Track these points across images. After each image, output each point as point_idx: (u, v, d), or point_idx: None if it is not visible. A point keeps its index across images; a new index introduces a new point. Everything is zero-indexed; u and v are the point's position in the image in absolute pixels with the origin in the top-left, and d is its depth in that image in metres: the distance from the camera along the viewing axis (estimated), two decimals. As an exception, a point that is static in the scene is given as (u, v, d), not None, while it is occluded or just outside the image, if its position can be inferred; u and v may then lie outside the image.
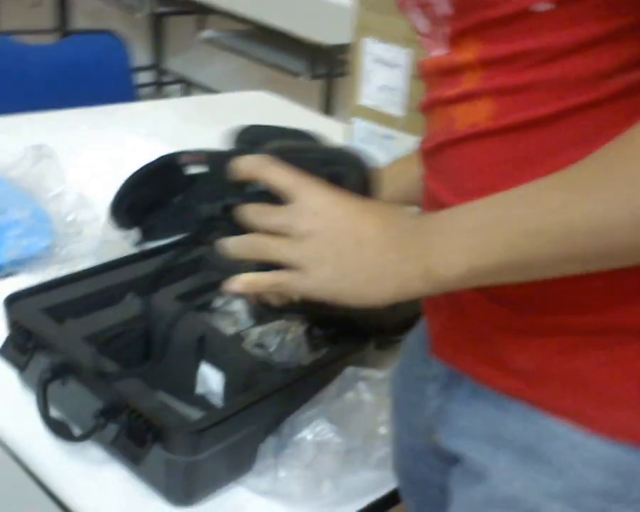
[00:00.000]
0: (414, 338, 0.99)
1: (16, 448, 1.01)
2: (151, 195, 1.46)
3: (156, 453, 0.92)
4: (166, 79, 4.58)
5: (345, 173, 0.80)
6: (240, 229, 0.78)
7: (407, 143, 1.65)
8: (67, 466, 1.00)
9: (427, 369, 0.91)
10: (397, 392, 1.02)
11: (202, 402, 1.08)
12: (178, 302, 1.14)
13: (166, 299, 1.13)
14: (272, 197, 0.76)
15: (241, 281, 0.78)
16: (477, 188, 0.74)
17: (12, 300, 1.06)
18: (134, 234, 1.40)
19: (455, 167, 0.78)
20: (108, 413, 0.95)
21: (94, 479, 0.99)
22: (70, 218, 1.41)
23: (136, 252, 1.27)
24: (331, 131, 2.16)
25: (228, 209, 0.82)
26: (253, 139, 0.87)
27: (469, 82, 0.75)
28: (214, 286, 1.18)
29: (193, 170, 1.48)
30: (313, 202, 0.75)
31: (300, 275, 0.74)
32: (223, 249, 0.79)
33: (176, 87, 4.53)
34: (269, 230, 0.76)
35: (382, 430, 1.06)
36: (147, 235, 1.44)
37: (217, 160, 0.87)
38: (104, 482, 0.99)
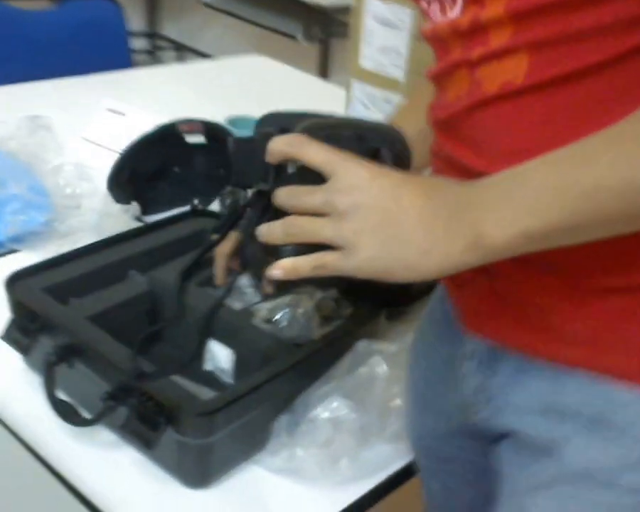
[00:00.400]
0: (434, 318, 0.96)
1: (24, 434, 0.99)
2: (150, 166, 1.43)
3: (169, 436, 0.89)
4: (160, 44, 4.52)
5: (381, 147, 0.77)
6: (274, 215, 0.74)
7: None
8: (77, 450, 0.97)
9: (459, 347, 0.88)
10: (417, 375, 0.99)
11: (210, 379, 1.06)
12: (184, 279, 1.10)
13: (170, 275, 1.09)
14: (304, 179, 0.73)
15: (282, 267, 0.74)
16: (513, 150, 0.71)
17: (14, 280, 1.03)
18: (134, 207, 1.37)
19: (486, 131, 0.74)
20: (117, 396, 0.92)
21: (105, 462, 0.96)
22: (68, 191, 1.38)
23: (137, 226, 1.25)
24: (330, 95, 2.15)
25: (262, 195, 0.78)
26: (277, 125, 0.82)
27: (498, 40, 0.70)
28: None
29: (192, 139, 1.45)
30: (353, 177, 0.71)
31: (345, 254, 0.70)
32: (260, 237, 0.75)
33: (171, 53, 4.46)
34: (308, 210, 0.72)
35: (396, 403, 1.03)
36: (147, 208, 1.42)
37: (246, 145, 0.82)
38: (116, 465, 0.96)
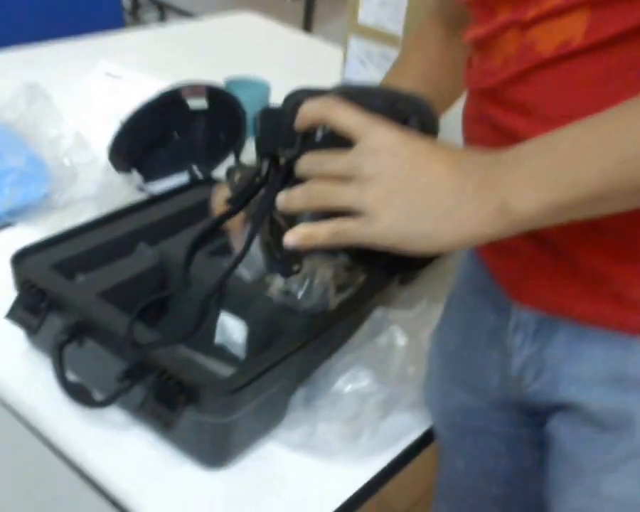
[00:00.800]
0: (474, 288, 0.93)
1: (30, 418, 0.95)
2: (150, 133, 1.39)
3: (188, 415, 0.86)
4: (141, 2, 4.43)
5: (410, 115, 0.75)
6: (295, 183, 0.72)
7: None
8: (87, 433, 0.94)
9: (504, 320, 0.85)
10: (450, 347, 0.96)
11: (220, 353, 1.03)
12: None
13: (180, 247, 1.06)
14: (331, 146, 0.70)
15: (299, 234, 0.71)
16: (568, 113, 0.67)
17: (21, 257, 0.99)
18: (136, 177, 1.33)
19: (539, 95, 0.71)
20: (134, 375, 0.89)
21: (116, 446, 0.93)
22: (67, 162, 1.33)
23: (141, 198, 1.21)
24: (327, 53, 2.11)
25: (282, 167, 0.76)
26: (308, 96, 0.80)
27: None
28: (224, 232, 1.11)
29: (194, 104, 1.41)
30: (382, 140, 0.68)
31: (366, 221, 0.67)
32: (279, 205, 0.72)
33: (153, 13, 4.38)
34: (332, 175, 0.69)
35: (412, 371, 1.01)
36: (148, 177, 1.38)
37: (274, 114, 0.79)
38: (127, 448, 0.93)
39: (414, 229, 0.66)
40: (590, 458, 0.79)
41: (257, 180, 0.81)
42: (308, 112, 0.73)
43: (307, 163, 0.72)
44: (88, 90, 1.66)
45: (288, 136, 0.75)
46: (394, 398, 0.98)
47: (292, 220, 0.75)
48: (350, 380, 0.95)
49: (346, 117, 0.70)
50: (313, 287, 0.99)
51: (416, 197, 0.66)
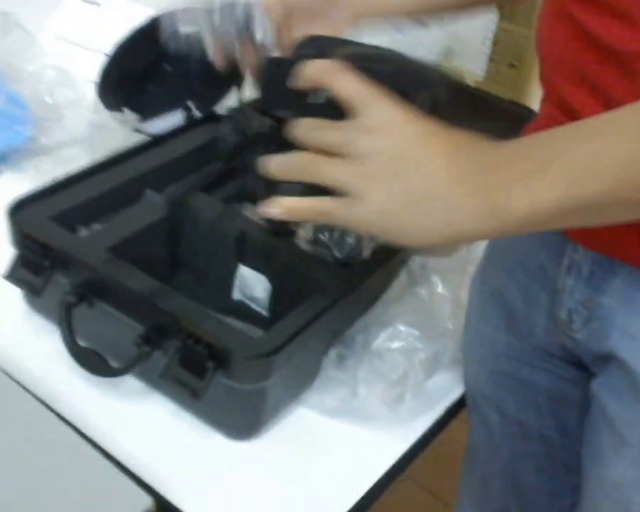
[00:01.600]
0: None
1: (38, 390, 0.83)
2: (139, 65, 1.26)
3: (217, 382, 0.77)
4: None
5: (420, 88, 0.71)
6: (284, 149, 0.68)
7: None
8: (102, 404, 0.84)
9: (555, 260, 0.78)
10: (493, 287, 0.88)
11: (239, 309, 0.93)
12: (207, 195, 0.96)
13: (190, 192, 0.95)
14: (330, 114, 0.66)
15: (281, 205, 0.67)
16: None
17: (17, 209, 0.87)
18: (129, 116, 1.21)
19: None
20: (154, 338, 0.79)
21: (135, 417, 0.84)
22: (49, 101, 1.21)
23: (139, 140, 1.09)
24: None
25: (281, 123, 0.70)
26: (316, 49, 0.78)
27: None
28: (240, 173, 1.01)
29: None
30: (383, 116, 0.64)
31: (350, 202, 0.63)
32: (266, 169, 0.68)
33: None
34: (324, 147, 0.65)
35: (454, 324, 0.93)
36: (142, 114, 1.26)
37: (278, 66, 0.75)
38: (147, 419, 0.84)
39: (401, 220, 0.62)
40: (635, 428, 0.74)
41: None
42: (309, 73, 0.68)
43: (304, 128, 0.67)
44: (63, 20, 1.51)
45: (289, 94, 0.70)
46: (437, 355, 0.89)
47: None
48: (391, 337, 0.86)
49: (348, 86, 0.65)
50: (345, 234, 0.89)
51: (408, 185, 0.62)
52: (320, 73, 0.67)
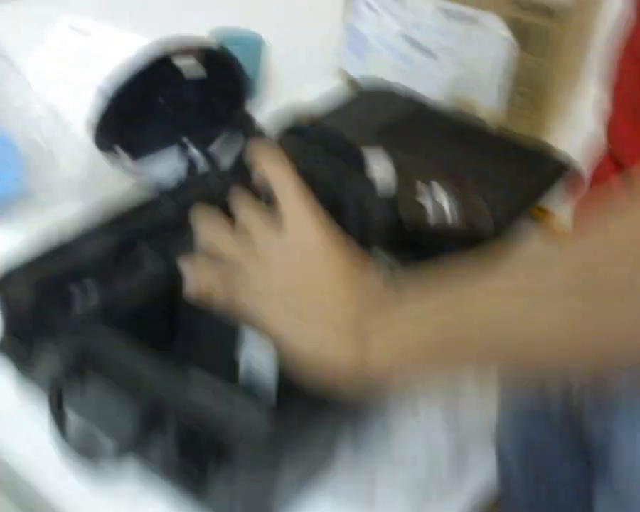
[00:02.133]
0: None
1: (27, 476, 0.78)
2: (135, 101, 1.19)
3: (221, 473, 0.69)
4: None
5: (351, 205, 0.73)
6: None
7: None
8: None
9: None
10: None
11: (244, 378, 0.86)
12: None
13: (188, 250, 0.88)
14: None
15: (194, 262, 0.73)
16: None
17: (4, 282, 0.79)
18: (122, 156, 1.14)
19: None
20: (151, 422, 0.72)
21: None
22: (37, 138, 1.13)
23: (133, 186, 1.01)
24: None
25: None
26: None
27: None
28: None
29: (183, 63, 1.21)
30: (301, 241, 0.67)
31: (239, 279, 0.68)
32: (196, 220, 0.73)
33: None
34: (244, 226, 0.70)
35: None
36: (136, 151, 1.18)
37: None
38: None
39: (285, 323, 0.66)
40: None
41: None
42: (253, 152, 0.72)
43: (235, 201, 0.71)
44: (51, 50, 1.43)
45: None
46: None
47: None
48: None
49: (274, 178, 0.69)
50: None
51: (292, 296, 0.66)
52: (258, 156, 0.71)
